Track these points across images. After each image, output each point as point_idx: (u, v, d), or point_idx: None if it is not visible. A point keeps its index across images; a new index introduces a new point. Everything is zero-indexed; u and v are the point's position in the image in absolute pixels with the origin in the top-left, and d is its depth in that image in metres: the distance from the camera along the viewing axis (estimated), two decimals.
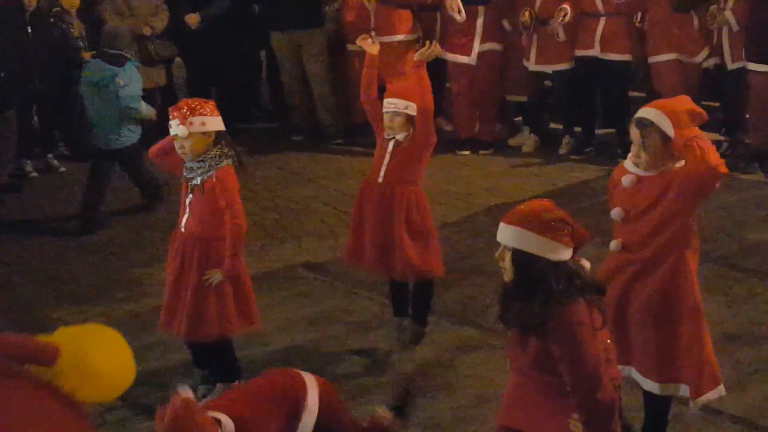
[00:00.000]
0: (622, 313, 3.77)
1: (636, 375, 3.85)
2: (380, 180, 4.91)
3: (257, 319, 4.64)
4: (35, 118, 8.75)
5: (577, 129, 8.87)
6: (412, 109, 4.81)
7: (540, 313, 2.99)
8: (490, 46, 8.73)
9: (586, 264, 3.15)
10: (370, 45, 5.14)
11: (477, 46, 8.66)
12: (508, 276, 3.12)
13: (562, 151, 8.70)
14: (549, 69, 8.71)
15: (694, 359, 3.77)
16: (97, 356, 1.15)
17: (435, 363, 4.97)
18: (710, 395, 3.82)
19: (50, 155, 8.67)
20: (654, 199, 3.69)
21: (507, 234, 3.09)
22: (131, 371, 1.20)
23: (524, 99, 9.21)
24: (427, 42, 5.05)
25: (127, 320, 5.52)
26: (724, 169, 3.54)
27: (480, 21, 8.61)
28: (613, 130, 8.68)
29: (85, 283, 6.22)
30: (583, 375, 3.00)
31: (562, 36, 8.35)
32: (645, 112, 3.70)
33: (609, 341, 3.20)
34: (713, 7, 8.00)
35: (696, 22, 8.21)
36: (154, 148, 4.66)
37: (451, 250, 6.26)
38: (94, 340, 1.18)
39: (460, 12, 8.38)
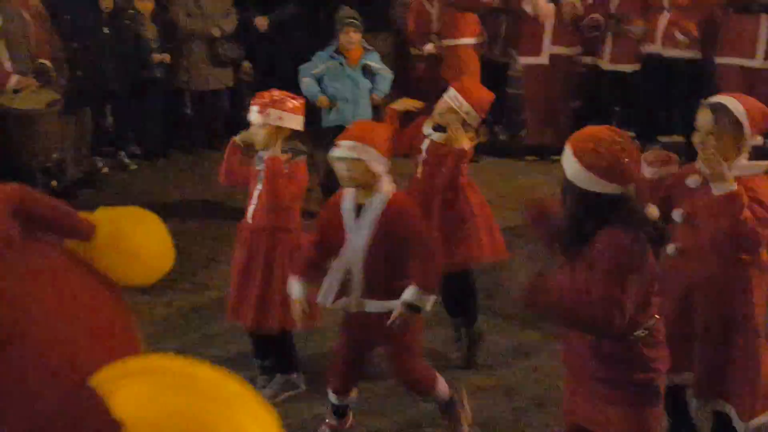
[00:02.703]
0: (681, 324, 3.65)
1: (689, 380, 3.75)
2: (418, 175, 4.90)
3: (318, 315, 4.65)
4: (109, 116, 8.97)
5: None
6: (471, 119, 4.76)
7: (589, 232, 2.97)
8: (562, 49, 8.68)
9: (654, 212, 3.10)
10: (410, 105, 5.10)
11: (548, 47, 8.62)
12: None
13: None
14: (626, 69, 8.61)
15: (747, 380, 3.62)
16: (135, 236, 1.16)
17: (495, 365, 4.96)
18: (762, 418, 3.66)
19: (122, 153, 8.87)
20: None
21: (566, 163, 3.05)
22: (170, 256, 1.20)
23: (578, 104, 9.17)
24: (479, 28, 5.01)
25: (191, 311, 5.62)
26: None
27: (550, 21, 8.57)
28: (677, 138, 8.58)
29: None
30: (597, 300, 2.91)
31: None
32: (721, 98, 3.59)
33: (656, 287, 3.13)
34: None
35: (766, 25, 7.81)
36: (221, 174, 4.69)
37: (513, 254, 6.21)
38: (133, 220, 1.19)
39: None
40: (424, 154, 4.85)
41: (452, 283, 4.99)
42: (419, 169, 4.89)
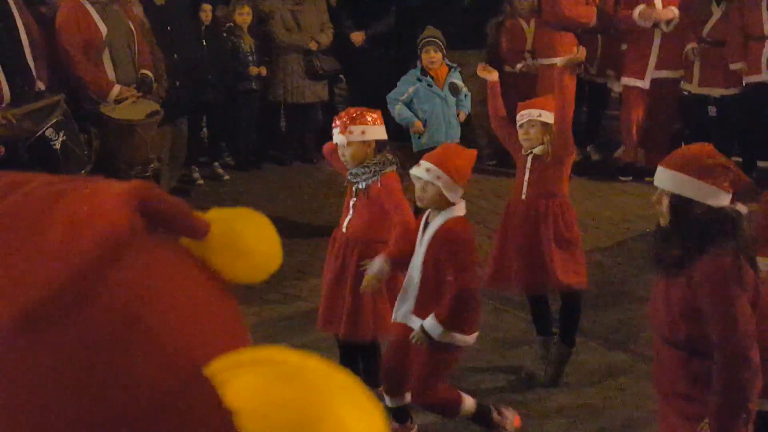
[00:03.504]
0: None
1: None
2: (524, 197, 4.89)
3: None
4: (204, 127, 9.17)
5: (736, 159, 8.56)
6: (547, 117, 4.78)
7: (692, 255, 2.92)
8: (666, 73, 8.56)
9: (743, 208, 3.07)
10: (488, 73, 5.26)
11: (651, 71, 8.51)
12: (664, 221, 3.07)
13: None
14: (714, 93, 8.45)
15: None
16: (248, 235, 1.20)
17: (581, 384, 4.91)
18: None
19: (216, 163, 9.05)
20: None
21: (666, 178, 3.04)
22: (279, 255, 1.24)
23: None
24: (575, 48, 5.06)
25: (279, 322, 5.70)
26: None
27: (656, 45, 8.47)
28: None
29: (239, 286, 6.41)
30: (734, 331, 2.85)
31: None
32: None
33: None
34: None
35: None
36: (327, 145, 4.75)
37: (603, 274, 6.17)
38: (245, 220, 1.23)
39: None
40: (528, 173, 4.87)
41: (560, 303, 4.99)
42: (524, 189, 4.90)
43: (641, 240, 6.96)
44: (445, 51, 7.11)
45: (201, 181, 8.78)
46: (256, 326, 5.56)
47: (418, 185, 4.09)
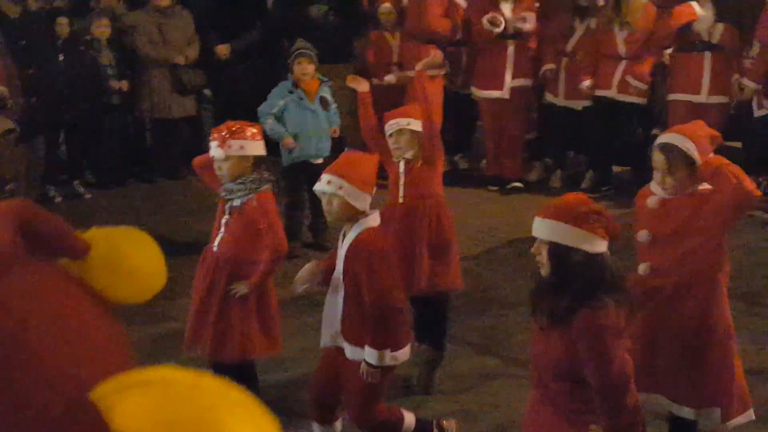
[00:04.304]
0: (653, 339, 3.74)
1: (665, 401, 3.80)
2: (401, 200, 4.93)
3: (279, 344, 4.62)
4: (62, 144, 8.85)
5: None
6: (415, 125, 4.84)
7: (572, 305, 2.96)
8: (520, 82, 8.77)
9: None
10: (358, 83, 5.29)
11: (509, 81, 8.69)
12: (545, 270, 3.09)
13: (584, 185, 8.70)
14: (578, 105, 8.73)
15: (724, 383, 3.76)
16: (132, 255, 1.16)
17: (455, 390, 4.94)
18: (740, 419, 3.80)
19: (76, 182, 8.74)
20: (683, 222, 3.69)
21: (543, 228, 3.07)
22: (163, 274, 1.20)
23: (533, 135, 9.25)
24: (432, 52, 5.18)
25: (147, 343, 5.52)
26: (758, 192, 3.65)
27: (510, 55, 8.66)
28: (628, 168, 8.75)
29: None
30: (610, 379, 2.94)
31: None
32: (669, 137, 3.73)
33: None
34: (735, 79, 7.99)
35: (709, 63, 8.03)
36: (198, 158, 4.65)
37: (473, 281, 6.24)
38: (128, 239, 1.19)
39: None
40: (402, 177, 4.91)
41: (427, 308, 5.01)
42: (401, 193, 4.92)
43: (509, 247, 7.11)
44: (316, 64, 7.10)
45: (59, 199, 8.43)
46: None
47: (324, 200, 3.88)
